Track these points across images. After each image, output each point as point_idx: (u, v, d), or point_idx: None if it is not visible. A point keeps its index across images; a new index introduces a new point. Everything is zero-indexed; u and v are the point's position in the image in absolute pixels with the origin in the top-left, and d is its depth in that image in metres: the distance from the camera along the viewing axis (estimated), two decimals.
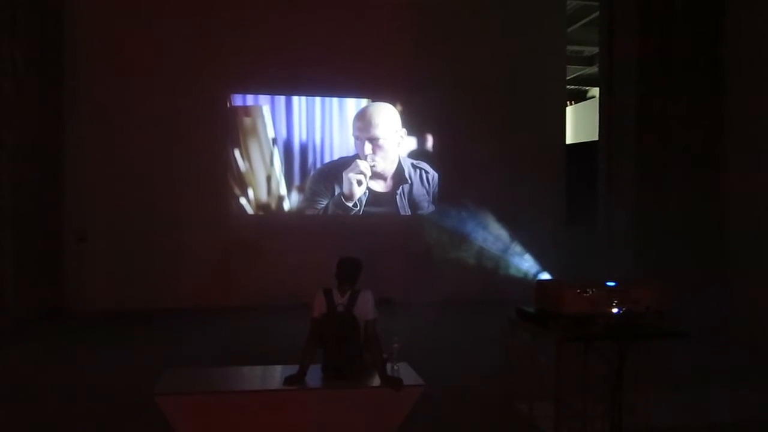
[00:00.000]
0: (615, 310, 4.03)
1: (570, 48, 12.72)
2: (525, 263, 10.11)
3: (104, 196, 9.50)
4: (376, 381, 3.89)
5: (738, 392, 5.51)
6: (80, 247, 9.45)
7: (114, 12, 9.54)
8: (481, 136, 10.52)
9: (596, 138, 9.33)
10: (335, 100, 10.26)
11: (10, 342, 7.28)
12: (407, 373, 4.04)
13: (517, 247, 10.16)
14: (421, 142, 10.52)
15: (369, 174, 10.15)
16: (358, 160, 10.16)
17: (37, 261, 8.43)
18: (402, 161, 10.38)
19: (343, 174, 10.14)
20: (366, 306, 3.94)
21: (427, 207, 10.57)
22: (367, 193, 10.25)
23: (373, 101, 10.36)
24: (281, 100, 10.12)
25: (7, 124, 7.60)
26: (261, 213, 10.13)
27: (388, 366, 3.95)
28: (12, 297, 7.61)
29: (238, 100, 10.07)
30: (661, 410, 4.57)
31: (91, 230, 9.50)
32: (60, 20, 9.30)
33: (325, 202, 10.21)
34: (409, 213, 10.47)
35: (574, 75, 15.72)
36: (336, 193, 10.19)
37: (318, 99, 10.20)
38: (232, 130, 10.00)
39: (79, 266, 9.45)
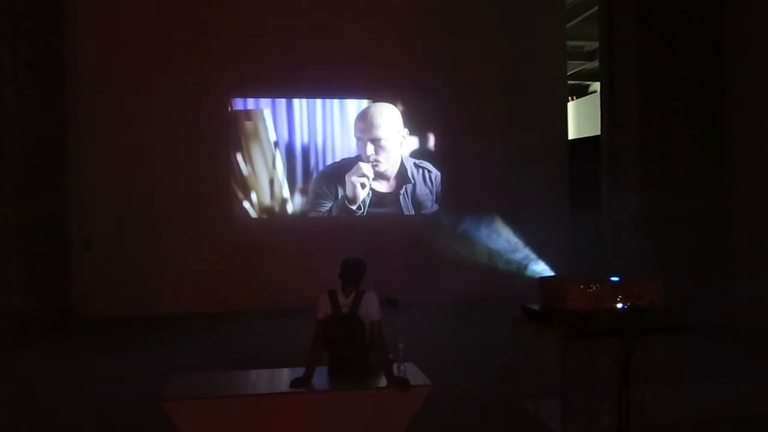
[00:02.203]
0: (619, 306, 4.02)
1: (570, 43, 12.69)
2: (529, 260, 10.09)
3: (108, 202, 9.53)
4: (383, 382, 3.90)
5: (744, 387, 5.48)
6: (85, 253, 9.48)
7: (115, 17, 9.57)
8: (483, 134, 10.51)
9: (599, 133, 9.31)
10: (336, 101, 10.27)
11: (18, 349, 7.31)
12: (413, 374, 4.05)
13: (520, 245, 10.15)
14: (423, 141, 10.52)
15: (372, 176, 10.16)
16: (360, 163, 10.16)
17: (43, 268, 8.46)
18: (404, 161, 10.38)
19: (346, 177, 10.14)
20: (371, 307, 3.95)
21: (430, 206, 10.57)
22: (370, 194, 10.26)
23: (374, 102, 10.37)
24: (282, 103, 10.14)
25: (9, 131, 7.63)
26: (265, 216, 10.15)
27: (395, 366, 3.96)
28: (19, 304, 7.64)
29: (239, 104, 10.09)
30: (667, 406, 4.56)
31: (96, 236, 9.53)
32: (61, 26, 9.32)
33: (328, 205, 10.20)
34: (413, 213, 10.47)
35: (575, 70, 15.69)
36: (339, 196, 10.19)
37: (319, 101, 10.21)
38: (233, 134, 10.02)
39: (85, 272, 9.48)
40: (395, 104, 10.39)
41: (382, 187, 10.33)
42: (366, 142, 10.19)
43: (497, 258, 10.44)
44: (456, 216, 10.27)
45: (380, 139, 10.22)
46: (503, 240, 10.29)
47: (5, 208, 7.49)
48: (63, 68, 9.35)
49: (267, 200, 10.14)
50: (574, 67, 15.16)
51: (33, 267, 8.08)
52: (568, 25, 12.16)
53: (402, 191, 10.40)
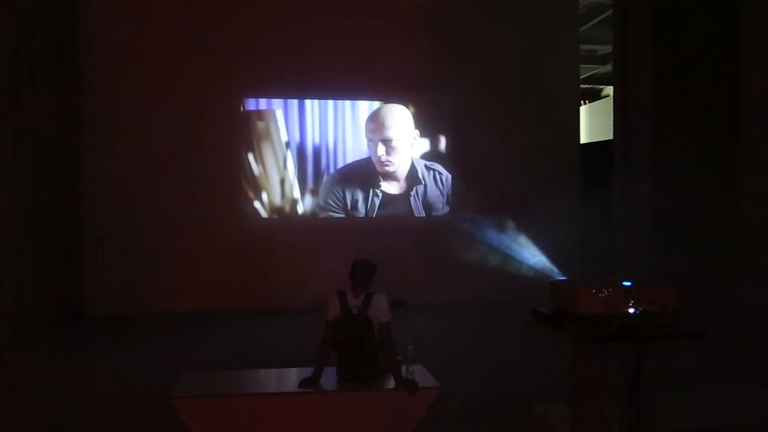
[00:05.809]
0: (631, 311, 3.98)
1: (583, 47, 12.64)
2: (540, 263, 10.04)
3: (121, 201, 9.59)
4: (391, 383, 3.89)
5: (755, 394, 5.43)
6: (98, 251, 9.55)
7: (129, 17, 9.64)
8: (494, 137, 10.46)
9: (611, 137, 9.26)
10: (348, 102, 10.28)
11: (31, 345, 7.36)
12: (422, 375, 4.04)
13: (531, 248, 10.10)
14: (434, 143, 10.51)
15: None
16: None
17: (56, 265, 8.52)
18: (415, 163, 10.37)
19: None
20: (380, 308, 3.95)
21: (441, 208, 10.55)
22: (380, 196, 10.26)
23: (385, 103, 10.37)
24: (294, 103, 10.16)
25: (24, 131, 7.68)
26: (275, 216, 10.17)
27: (403, 368, 3.95)
28: (32, 301, 7.69)
29: (251, 104, 10.13)
30: (679, 411, 4.51)
31: (108, 234, 9.59)
32: (76, 27, 9.41)
33: (339, 215, 10.18)
34: (423, 214, 10.45)
35: (588, 74, 15.62)
36: (349, 205, 10.15)
37: (330, 102, 10.22)
38: (245, 134, 10.06)
39: (97, 270, 9.55)
40: (407, 105, 10.39)
41: (393, 188, 10.32)
42: (377, 143, 10.18)
43: (507, 260, 10.40)
44: (466, 218, 10.23)
45: (391, 140, 10.21)
46: (513, 242, 10.25)
47: (20, 206, 7.54)
48: (78, 68, 9.43)
49: (278, 200, 10.16)
50: (587, 71, 15.09)
51: (45, 264, 8.13)
52: (582, 28, 12.11)
53: (413, 193, 10.39)
